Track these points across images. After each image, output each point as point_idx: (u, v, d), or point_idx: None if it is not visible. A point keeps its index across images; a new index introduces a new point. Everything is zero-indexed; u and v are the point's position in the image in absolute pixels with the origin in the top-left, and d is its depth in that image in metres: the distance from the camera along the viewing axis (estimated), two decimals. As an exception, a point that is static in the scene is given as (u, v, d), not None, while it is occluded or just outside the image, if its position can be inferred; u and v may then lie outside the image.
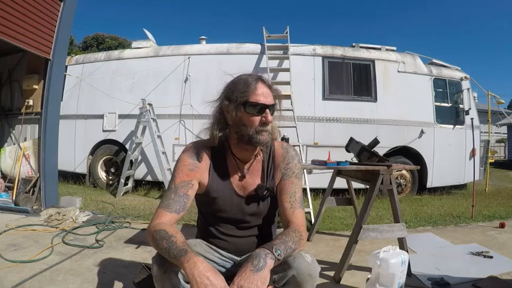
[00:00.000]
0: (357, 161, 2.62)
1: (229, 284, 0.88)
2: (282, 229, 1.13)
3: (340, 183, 2.99)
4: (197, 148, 1.17)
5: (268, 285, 1.10)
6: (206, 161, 1.16)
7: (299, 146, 4.39)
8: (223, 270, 1.18)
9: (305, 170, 4.40)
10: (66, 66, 5.47)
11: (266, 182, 1.18)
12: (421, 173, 5.61)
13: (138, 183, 5.65)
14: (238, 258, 1.20)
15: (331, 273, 2.16)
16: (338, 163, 2.43)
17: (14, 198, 3.86)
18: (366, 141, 2.63)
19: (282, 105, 4.55)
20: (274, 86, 1.16)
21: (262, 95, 1.08)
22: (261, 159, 1.20)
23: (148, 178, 5.62)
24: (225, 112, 1.13)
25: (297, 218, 1.11)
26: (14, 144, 4.35)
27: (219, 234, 1.20)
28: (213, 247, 1.20)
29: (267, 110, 1.09)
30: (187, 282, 0.99)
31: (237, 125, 1.11)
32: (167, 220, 1.05)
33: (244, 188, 1.18)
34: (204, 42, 6.06)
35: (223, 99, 1.13)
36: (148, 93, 5.48)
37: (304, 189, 4.08)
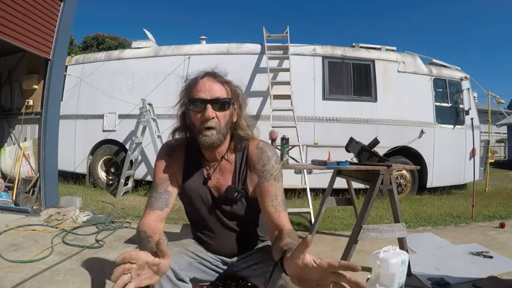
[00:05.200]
0: (357, 161, 2.62)
1: (227, 284, 0.87)
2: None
3: (340, 183, 2.99)
4: (171, 146, 1.15)
5: None
6: (179, 159, 1.15)
7: (299, 146, 4.39)
8: (218, 269, 1.19)
9: (305, 170, 4.39)
10: (66, 66, 5.46)
11: (237, 184, 1.13)
12: (421, 173, 5.60)
13: (138, 183, 5.64)
14: (229, 260, 1.19)
15: (331, 273, 2.15)
16: (338, 163, 2.43)
17: (14, 198, 3.87)
18: (366, 141, 2.63)
19: (277, 105, 4.51)
20: (229, 81, 1.08)
21: (202, 90, 1.02)
22: (233, 159, 1.15)
23: (148, 178, 5.62)
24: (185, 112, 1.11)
25: (286, 221, 1.06)
26: (14, 144, 4.35)
27: (203, 237, 1.20)
28: (203, 249, 1.20)
29: (208, 105, 1.00)
30: (179, 279, 0.99)
31: (190, 124, 1.08)
32: (152, 219, 1.05)
33: (217, 188, 1.15)
34: (204, 42, 6.06)
35: (180, 98, 1.10)
36: (148, 93, 5.48)
37: (304, 189, 4.08)
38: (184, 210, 1.28)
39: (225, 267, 1.20)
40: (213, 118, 1.02)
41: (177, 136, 1.13)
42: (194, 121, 1.04)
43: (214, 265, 1.18)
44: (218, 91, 1.03)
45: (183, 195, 1.17)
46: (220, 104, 1.03)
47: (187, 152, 1.16)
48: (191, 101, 1.03)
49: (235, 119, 1.11)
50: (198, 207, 1.16)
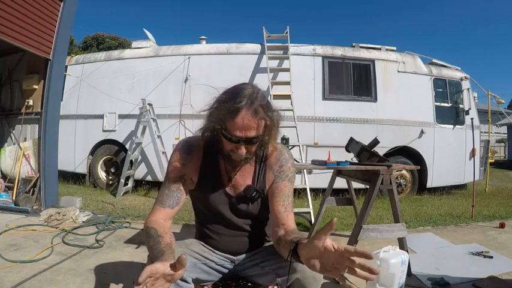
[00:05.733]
0: (357, 161, 2.62)
1: (227, 284, 0.87)
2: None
3: (340, 183, 2.99)
4: (189, 144, 1.15)
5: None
6: (198, 157, 1.14)
7: (299, 146, 4.39)
8: (223, 269, 1.18)
9: (305, 170, 4.39)
10: (66, 66, 5.46)
11: (256, 184, 1.15)
12: (421, 173, 5.61)
13: (138, 183, 5.64)
14: (235, 258, 1.19)
15: (331, 273, 2.15)
16: (338, 163, 2.43)
17: (14, 198, 3.87)
18: (366, 141, 2.63)
19: (282, 106, 4.43)
20: (266, 116, 1.00)
21: (238, 128, 0.97)
22: (253, 160, 1.16)
23: (148, 178, 5.62)
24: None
25: (292, 222, 1.10)
26: (14, 144, 4.35)
27: (210, 233, 1.19)
28: (209, 247, 1.19)
29: (241, 146, 1.00)
30: (182, 280, 0.99)
31: (218, 138, 1.07)
32: (161, 216, 1.05)
33: (234, 187, 1.16)
34: (204, 42, 6.07)
35: (212, 108, 1.06)
36: (148, 93, 5.48)
37: (304, 189, 4.08)
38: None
39: (231, 267, 1.19)
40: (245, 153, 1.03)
41: (206, 134, 1.10)
42: (224, 143, 1.04)
43: (219, 265, 1.17)
44: (254, 131, 0.99)
45: (197, 193, 1.17)
46: (253, 141, 1.01)
47: (206, 151, 1.15)
48: (224, 129, 1.00)
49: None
50: (211, 205, 1.16)
